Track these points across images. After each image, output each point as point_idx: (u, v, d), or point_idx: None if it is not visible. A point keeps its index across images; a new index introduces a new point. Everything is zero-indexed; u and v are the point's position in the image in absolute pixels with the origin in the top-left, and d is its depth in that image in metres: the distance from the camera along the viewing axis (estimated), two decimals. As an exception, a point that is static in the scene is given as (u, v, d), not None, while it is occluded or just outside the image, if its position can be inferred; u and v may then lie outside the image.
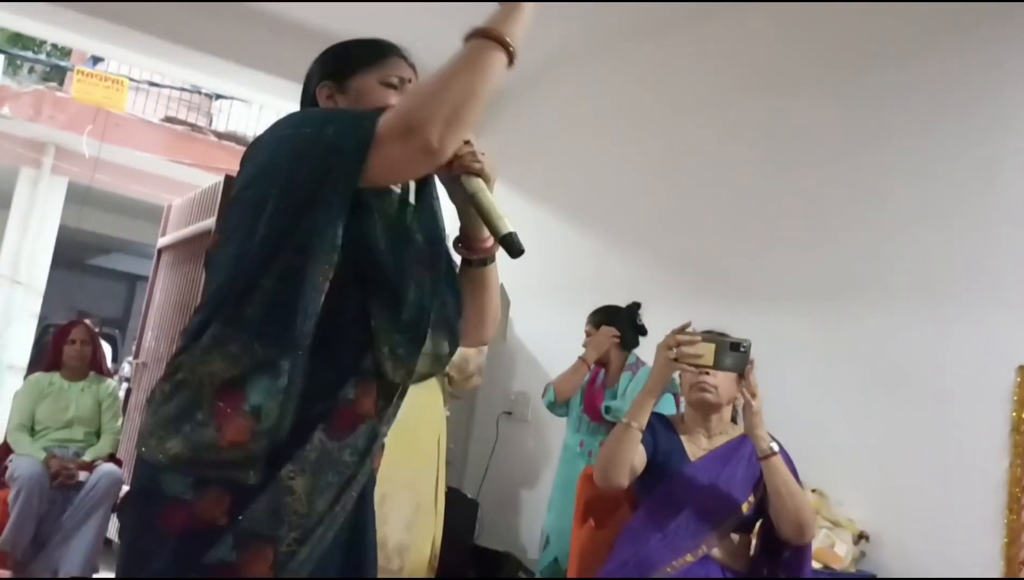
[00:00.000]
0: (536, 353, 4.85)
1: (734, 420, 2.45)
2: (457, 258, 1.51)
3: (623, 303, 3.63)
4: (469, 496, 4.54)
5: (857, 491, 3.13)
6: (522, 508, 4.61)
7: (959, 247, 3.01)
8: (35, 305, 9.56)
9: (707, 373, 2.31)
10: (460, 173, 1.40)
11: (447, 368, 3.25)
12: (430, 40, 5.03)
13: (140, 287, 12.67)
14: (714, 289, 3.85)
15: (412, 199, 1.46)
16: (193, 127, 9.56)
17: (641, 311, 3.60)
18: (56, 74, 9.58)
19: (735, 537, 2.28)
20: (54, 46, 9.38)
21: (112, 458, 4.22)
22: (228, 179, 5.07)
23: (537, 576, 3.53)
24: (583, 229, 4.76)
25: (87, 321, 4.83)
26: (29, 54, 9.75)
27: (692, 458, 2.33)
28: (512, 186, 5.36)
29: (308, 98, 1.52)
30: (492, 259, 1.49)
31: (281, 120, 1.40)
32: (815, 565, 2.68)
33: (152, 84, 9.06)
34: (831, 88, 3.55)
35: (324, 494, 1.29)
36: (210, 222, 5.05)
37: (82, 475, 4.00)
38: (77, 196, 9.30)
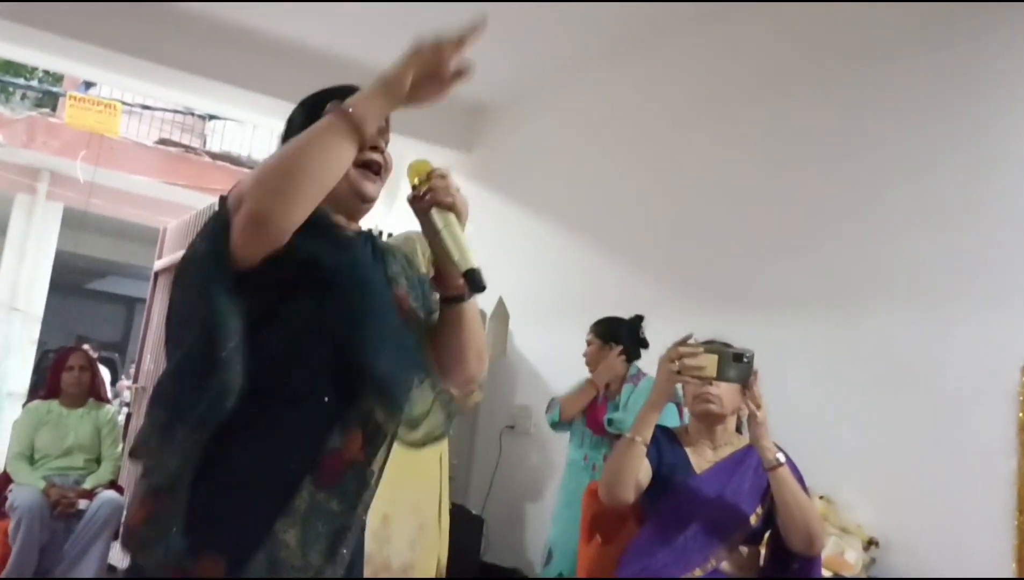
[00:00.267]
0: (537, 366, 4.83)
1: (739, 430, 2.42)
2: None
3: (623, 314, 3.60)
4: (474, 512, 4.51)
5: (865, 496, 3.11)
6: (528, 523, 4.58)
7: (960, 247, 2.99)
8: (33, 331, 9.53)
9: (710, 384, 2.28)
10: (430, 207, 1.40)
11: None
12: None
13: (138, 309, 12.64)
14: (714, 297, 3.83)
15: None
16: (187, 148, 9.56)
17: (643, 323, 3.58)
18: (49, 100, 9.57)
19: (744, 549, 2.25)
20: (46, 72, 9.37)
21: (113, 485, 4.19)
22: (223, 200, 5.04)
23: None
24: (581, 240, 4.74)
25: (85, 347, 4.80)
26: (21, 81, 9.75)
27: (698, 470, 2.30)
28: (509, 199, 5.36)
29: None
30: (467, 296, 1.47)
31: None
32: (825, 574, 2.66)
33: (145, 107, 9.05)
34: (826, 92, 3.54)
35: (316, 545, 1.29)
36: (206, 244, 5.03)
37: (82, 503, 3.97)
38: (73, 221, 9.29)
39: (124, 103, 8.38)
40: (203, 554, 1.23)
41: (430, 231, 1.40)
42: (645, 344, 3.55)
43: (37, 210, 9.41)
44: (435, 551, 3.02)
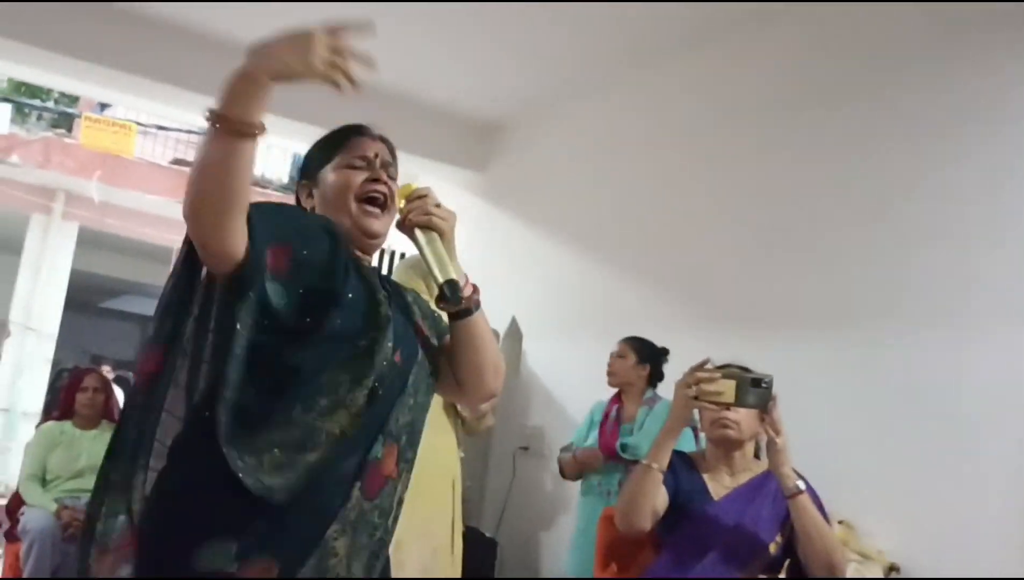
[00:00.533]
0: (551, 386, 4.79)
1: (757, 455, 2.38)
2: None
3: (636, 334, 3.57)
4: (487, 535, 4.46)
5: (885, 521, 3.05)
6: (542, 545, 4.53)
7: (979, 265, 2.94)
8: (48, 351, 9.57)
9: (728, 408, 2.24)
10: (412, 227, 1.45)
11: (460, 410, 3.20)
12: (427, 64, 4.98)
13: (152, 328, 12.64)
14: (730, 317, 3.79)
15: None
16: (201, 169, 9.58)
17: (649, 342, 3.55)
18: (64, 121, 9.65)
19: (763, 578, 2.20)
20: (62, 93, 9.45)
21: (126, 507, 4.16)
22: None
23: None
24: (595, 259, 4.71)
25: (104, 368, 4.79)
26: (37, 102, 9.84)
27: (716, 497, 2.26)
28: (523, 218, 5.34)
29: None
30: (475, 309, 1.50)
31: None
32: (846, 601, 2.60)
33: (160, 127, 9.11)
34: (837, 108, 3.51)
35: (360, 556, 1.32)
36: (219, 265, 5.03)
37: (95, 526, 3.95)
38: (88, 240, 9.35)
39: (139, 124, 8.44)
40: (255, 558, 1.23)
41: (419, 251, 1.45)
42: (662, 376, 3.52)
43: (52, 230, 9.47)
44: (448, 576, 2.98)
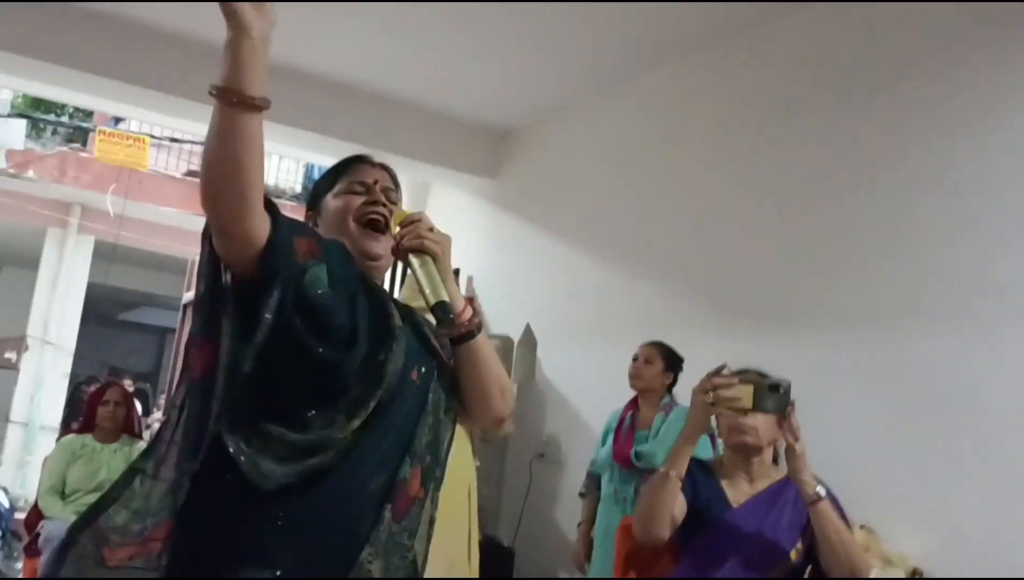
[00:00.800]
0: (566, 393, 4.77)
1: (775, 461, 2.35)
2: None
3: (651, 338, 3.55)
4: (505, 544, 4.44)
5: (907, 525, 3.01)
6: (561, 553, 4.50)
7: (1000, 262, 2.90)
8: (66, 365, 9.63)
9: (746, 415, 2.21)
10: (406, 252, 1.45)
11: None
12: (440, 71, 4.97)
13: (169, 340, 12.73)
14: (745, 319, 3.76)
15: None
16: (215, 181, 9.64)
17: (674, 349, 3.52)
18: (79, 135, 9.71)
19: (784, 586, 2.17)
20: (76, 108, 9.52)
21: (143, 520, 4.17)
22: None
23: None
24: (609, 264, 4.69)
25: (126, 382, 4.81)
26: (52, 117, 9.90)
27: (734, 504, 2.23)
28: (535, 223, 5.33)
29: None
30: (476, 332, 1.49)
31: None
32: (869, 607, 2.56)
33: (173, 140, 9.16)
34: (857, 106, 3.48)
35: (396, 576, 1.32)
36: (233, 276, 5.04)
37: (114, 538, 3.95)
38: (104, 253, 9.40)
39: (152, 136, 8.49)
40: None
41: (412, 273, 1.45)
42: (677, 382, 3.50)
43: (69, 243, 9.54)
44: (466, 588, 2.97)
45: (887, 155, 3.33)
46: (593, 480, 3.63)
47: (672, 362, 3.46)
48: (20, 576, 4.21)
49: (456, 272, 5.51)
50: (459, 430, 3.05)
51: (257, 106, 1.20)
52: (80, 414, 4.46)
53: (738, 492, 2.26)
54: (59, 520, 3.93)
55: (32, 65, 4.67)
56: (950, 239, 3.07)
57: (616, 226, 4.68)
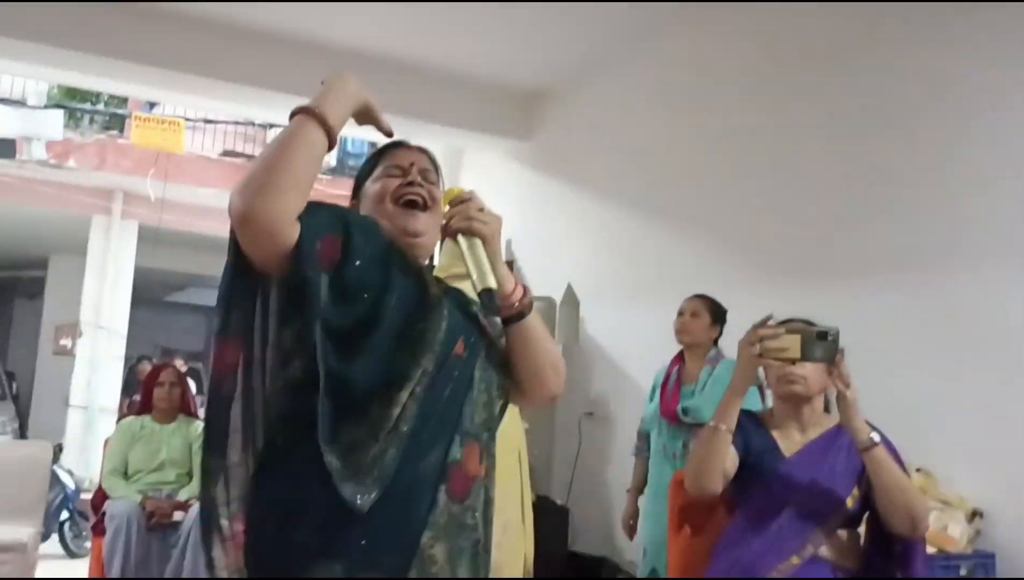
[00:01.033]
0: (611, 350, 4.77)
1: (827, 410, 2.33)
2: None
3: (694, 293, 3.51)
4: (559, 503, 4.48)
5: (965, 466, 2.98)
6: (614, 509, 4.52)
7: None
8: (119, 348, 9.85)
9: (794, 363, 2.19)
10: (455, 234, 1.44)
11: None
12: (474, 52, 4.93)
13: (217, 319, 12.93)
14: (789, 270, 3.72)
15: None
16: (250, 158, 9.72)
17: (719, 302, 3.48)
18: (116, 122, 9.83)
19: (842, 533, 2.16)
20: (111, 96, 9.62)
21: (205, 496, 4.27)
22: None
23: (637, 584, 3.45)
24: (648, 220, 4.65)
25: (178, 362, 4.90)
26: (87, 106, 10.02)
27: (787, 454, 2.22)
28: (571, 184, 5.30)
29: None
30: (527, 312, 1.49)
31: None
32: (929, 550, 2.54)
33: (207, 121, 9.23)
34: (888, 51, 3.40)
35: (461, 560, 1.32)
36: (275, 253, 5.09)
37: (177, 515, 4.05)
38: (148, 237, 9.56)
39: (187, 119, 8.56)
40: (363, 574, 1.24)
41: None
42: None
43: (113, 229, 9.71)
44: (521, 549, 2.99)
45: (925, 97, 3.25)
46: (643, 439, 3.63)
47: (718, 315, 3.42)
48: (88, 555, 4.33)
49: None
50: (507, 395, 3.08)
51: (330, 129, 1.33)
52: (136, 393, 4.56)
53: (790, 442, 2.25)
54: (123, 500, 4.04)
55: (65, 56, 4.73)
56: (994, 178, 2.99)
57: (653, 182, 4.63)
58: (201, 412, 6.08)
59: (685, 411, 3.23)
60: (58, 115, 8.57)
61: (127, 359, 10.28)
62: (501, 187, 5.75)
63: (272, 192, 1.26)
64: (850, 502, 2.13)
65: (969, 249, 3.05)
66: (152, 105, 9.00)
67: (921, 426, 2.97)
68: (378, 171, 1.57)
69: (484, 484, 1.39)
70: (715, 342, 3.42)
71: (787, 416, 2.28)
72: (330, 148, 1.34)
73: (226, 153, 9.64)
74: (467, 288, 1.51)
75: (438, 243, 1.57)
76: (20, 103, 8.52)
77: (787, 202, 3.78)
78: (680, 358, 3.48)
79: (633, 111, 4.87)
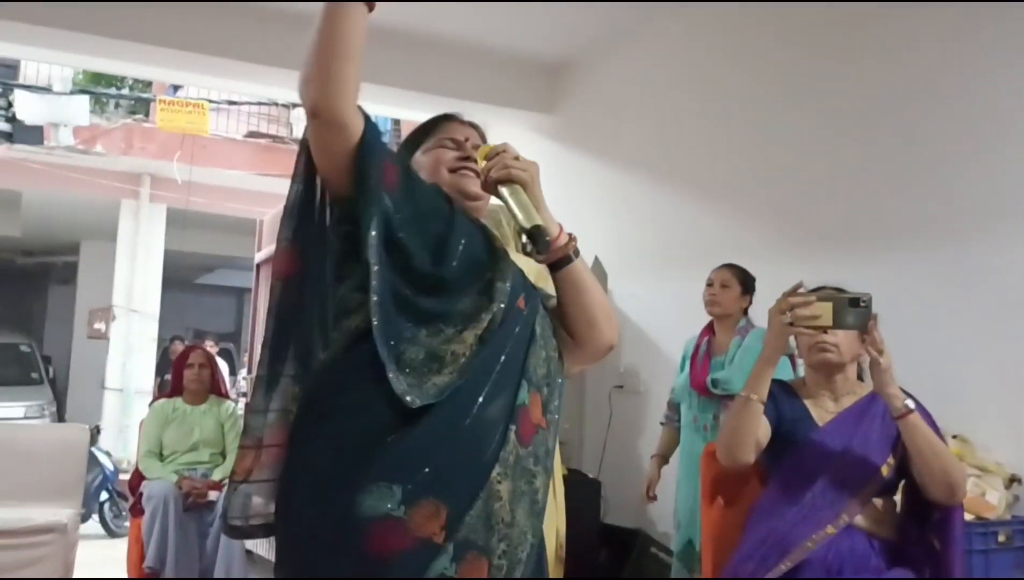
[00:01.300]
0: (639, 322, 4.74)
1: (860, 377, 2.29)
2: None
3: (722, 263, 3.47)
4: (590, 476, 4.48)
5: (1002, 432, 2.93)
6: (645, 481, 4.53)
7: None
8: (152, 330, 9.98)
9: (826, 331, 2.16)
10: (495, 184, 1.44)
11: None
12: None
13: (247, 299, 13.08)
14: (819, 237, 3.66)
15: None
16: (275, 138, 9.75)
17: (748, 271, 3.44)
18: (141, 106, 9.89)
19: (878, 502, 2.13)
20: (135, 80, 9.67)
21: (239, 475, 4.32)
22: (313, 187, 5.10)
23: (673, 560, 3.44)
24: (674, 190, 4.61)
25: (208, 344, 4.93)
26: (113, 91, 10.09)
27: (820, 423, 2.19)
28: (596, 156, 5.26)
29: None
30: (573, 256, 1.49)
31: None
32: (967, 517, 2.51)
33: (231, 103, 9.25)
34: (917, 14, 3.31)
35: (521, 503, 1.31)
36: (301, 232, 5.10)
37: (212, 494, 4.11)
38: (176, 220, 9.65)
39: (211, 101, 8.59)
40: (422, 501, 1.22)
41: (504, 205, 1.45)
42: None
43: (142, 213, 9.81)
44: (553, 523, 2.98)
45: (955, 60, 3.18)
46: (673, 409, 3.62)
47: (748, 284, 3.38)
48: (127, 535, 4.41)
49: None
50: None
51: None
52: (169, 374, 4.61)
53: (823, 411, 2.22)
54: (159, 480, 4.10)
55: (88, 41, 4.74)
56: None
57: (678, 151, 4.58)
58: (232, 393, 6.15)
59: (715, 383, 3.21)
60: (84, 101, 8.64)
61: (160, 341, 10.41)
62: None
63: (336, 84, 1.29)
64: (885, 470, 2.11)
65: (1004, 212, 2.99)
66: (176, 88, 9.04)
67: (957, 392, 2.92)
68: (430, 142, 1.57)
69: (546, 435, 1.39)
70: (745, 312, 3.39)
71: (819, 385, 2.25)
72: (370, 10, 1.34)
73: (251, 134, 9.67)
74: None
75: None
76: (46, 90, 8.59)
77: (815, 169, 3.72)
78: (710, 329, 3.45)
79: (657, 82, 4.80)
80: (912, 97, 3.33)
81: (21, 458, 3.66)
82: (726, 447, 2.14)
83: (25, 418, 9.51)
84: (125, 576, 4.21)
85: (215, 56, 4.93)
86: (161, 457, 4.26)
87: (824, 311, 2.02)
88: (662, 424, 3.72)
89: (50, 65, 8.58)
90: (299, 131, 10.24)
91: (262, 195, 8.87)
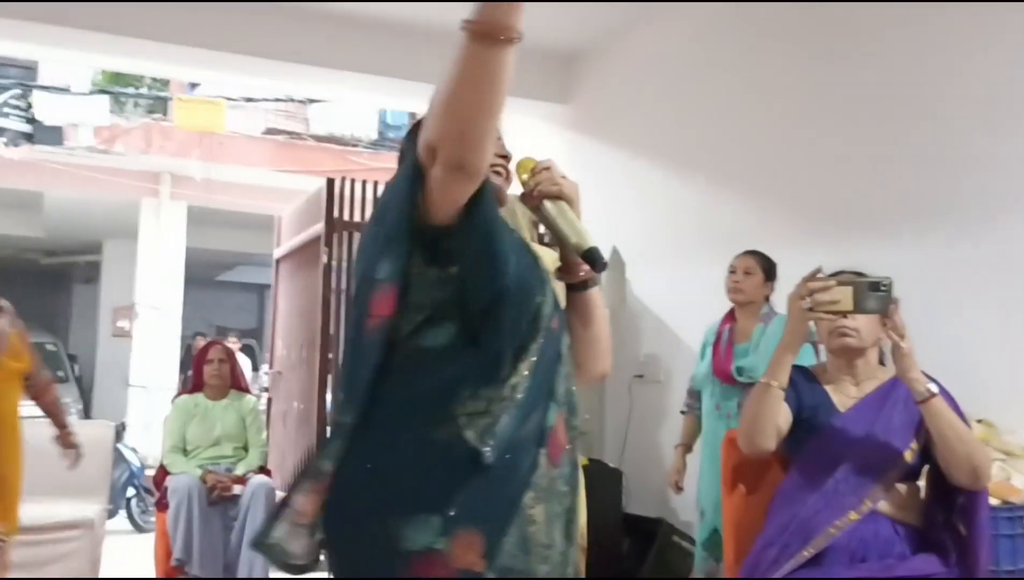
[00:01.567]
0: (658, 311, 4.72)
1: (882, 362, 2.27)
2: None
3: (740, 250, 3.45)
4: (611, 466, 4.47)
5: (1028, 415, 2.90)
6: (667, 470, 4.51)
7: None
8: (175, 327, 10.06)
9: (846, 316, 2.14)
10: (540, 200, 1.43)
11: None
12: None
13: (268, 296, 13.17)
14: (836, 222, 3.63)
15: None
16: (292, 134, 9.79)
17: (770, 257, 3.41)
18: (159, 105, 9.96)
19: (901, 487, 2.11)
20: (153, 79, 9.73)
21: (262, 470, 4.35)
22: (330, 182, 5.12)
23: (697, 548, 3.42)
24: (690, 178, 4.58)
25: (231, 339, 4.95)
26: (131, 90, 10.16)
27: (842, 409, 2.17)
28: (611, 145, 5.23)
29: None
30: (594, 282, 1.49)
31: None
32: (992, 502, 2.48)
33: (248, 99, 9.29)
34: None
35: (556, 524, 1.31)
36: (319, 227, 5.13)
37: (236, 488, 4.14)
38: (196, 217, 9.72)
39: (228, 98, 8.63)
40: (461, 531, 1.22)
41: (546, 222, 1.44)
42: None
43: (163, 211, 9.89)
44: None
45: (981, 39, 3.13)
46: (694, 397, 3.60)
47: (771, 271, 3.35)
48: (155, 529, 4.45)
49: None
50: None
51: (514, 39, 1.17)
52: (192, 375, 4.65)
53: (844, 396, 2.20)
54: (183, 475, 4.13)
55: (106, 40, 4.77)
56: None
57: (693, 139, 4.55)
58: (254, 388, 6.18)
59: (740, 370, 3.19)
60: (103, 101, 8.71)
61: (183, 338, 10.50)
62: (541, 151, 5.67)
63: (486, 141, 1.22)
64: (908, 455, 2.09)
65: (1020, 193, 2.95)
66: (194, 86, 9.10)
67: (981, 376, 2.89)
68: None
69: (572, 453, 1.38)
70: (767, 299, 3.36)
71: (840, 370, 2.23)
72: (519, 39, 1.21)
73: (268, 131, 9.72)
74: None
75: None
76: (65, 90, 8.67)
77: (833, 153, 3.68)
78: (731, 316, 3.43)
79: (673, 69, 4.77)
80: (931, 80, 3.29)
81: (48, 455, 3.71)
82: (746, 434, 2.13)
83: (52, 416, 9.59)
84: (151, 571, 4.25)
85: (232, 53, 4.94)
86: (185, 452, 4.29)
87: (844, 296, 2.01)
88: (683, 412, 3.70)
89: (69, 66, 8.65)
90: (316, 127, 10.28)
91: (280, 191, 8.91)
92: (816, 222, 3.75)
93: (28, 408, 3.61)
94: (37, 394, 3.71)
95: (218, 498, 4.09)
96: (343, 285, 5.00)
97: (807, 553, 2.03)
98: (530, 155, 1.51)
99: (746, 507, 2.33)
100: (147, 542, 4.56)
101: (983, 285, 3.07)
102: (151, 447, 8.47)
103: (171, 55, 5.02)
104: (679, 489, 3.65)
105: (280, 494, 4.90)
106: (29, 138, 8.21)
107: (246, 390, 4.61)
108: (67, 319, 14.26)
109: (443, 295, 1.30)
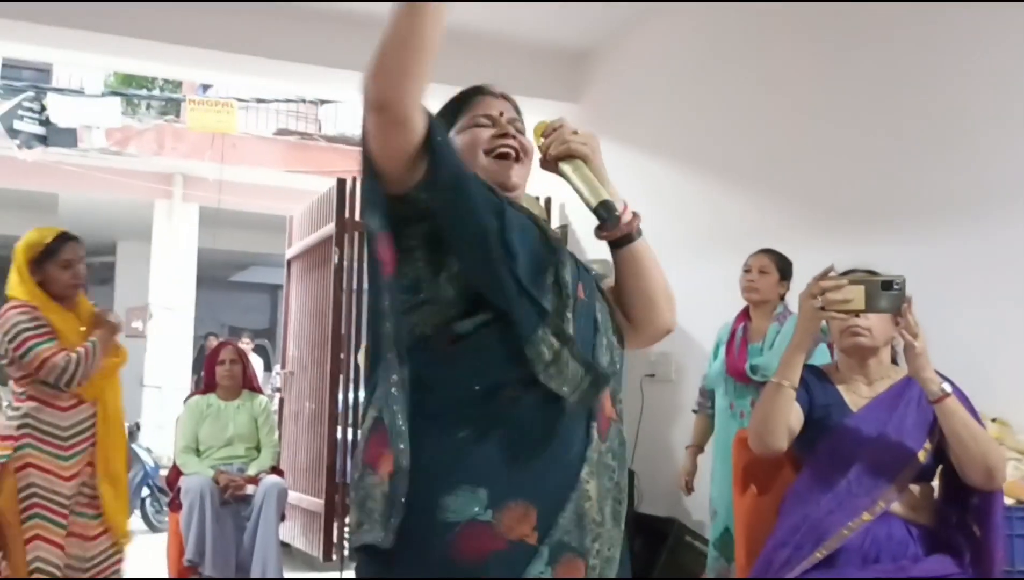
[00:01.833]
0: (671, 310, 4.70)
1: (895, 361, 2.25)
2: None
3: (753, 249, 3.43)
4: (623, 465, 4.46)
5: (1043, 415, 2.87)
6: (679, 470, 4.50)
7: None
8: (188, 328, 10.10)
9: (858, 315, 2.12)
10: (556, 161, 1.40)
11: None
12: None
13: (280, 296, 13.21)
14: (847, 219, 3.60)
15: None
16: (304, 135, 9.81)
17: (785, 256, 3.39)
18: (171, 107, 10.00)
19: (915, 488, 2.09)
20: (165, 80, 9.78)
21: (274, 470, 4.36)
22: (341, 182, 5.13)
23: (710, 548, 3.41)
24: (701, 175, 4.56)
25: (243, 340, 4.97)
26: (143, 92, 10.21)
27: (854, 408, 2.16)
28: (623, 143, 5.21)
29: None
30: (636, 235, 1.45)
31: None
32: (1007, 501, 2.46)
33: (259, 101, 9.32)
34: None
35: (607, 500, 1.29)
36: (330, 228, 5.14)
37: (249, 488, 4.15)
38: (209, 219, 9.76)
39: (240, 100, 8.66)
40: (510, 503, 1.20)
41: (569, 183, 1.40)
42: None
43: (175, 213, 9.94)
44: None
45: (989, 33, 3.10)
46: (706, 396, 3.58)
47: (786, 270, 3.33)
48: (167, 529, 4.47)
49: (547, 201, 5.45)
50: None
51: None
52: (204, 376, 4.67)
53: (857, 396, 2.19)
54: (196, 475, 4.14)
55: (118, 42, 4.79)
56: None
57: (706, 138, 4.53)
58: (266, 388, 6.19)
59: (754, 369, 3.17)
60: (116, 103, 8.75)
61: (196, 339, 10.54)
62: (553, 151, 5.67)
63: (405, 78, 1.21)
64: (922, 455, 2.07)
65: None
66: (206, 88, 9.13)
67: (995, 375, 2.86)
68: (463, 120, 1.46)
69: (619, 427, 1.36)
70: (782, 298, 3.34)
71: (853, 369, 2.22)
72: None
73: (280, 132, 9.75)
74: None
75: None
76: (78, 92, 8.71)
77: (844, 150, 3.66)
78: (745, 315, 3.41)
79: (682, 67, 4.75)
80: (941, 76, 3.26)
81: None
82: (757, 434, 2.12)
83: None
84: (165, 571, 4.26)
85: (244, 54, 4.95)
86: (197, 452, 4.30)
87: (856, 294, 1.99)
88: (695, 412, 3.69)
89: (82, 68, 8.70)
90: (328, 128, 10.31)
91: (292, 192, 8.93)
92: (826, 219, 3.72)
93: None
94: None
95: (230, 498, 4.11)
96: (354, 285, 5.01)
97: (819, 554, 2.01)
98: (542, 120, 1.47)
99: (757, 507, 2.32)
100: (161, 542, 4.58)
101: (997, 282, 3.04)
102: (165, 447, 8.51)
103: (183, 57, 5.04)
104: (690, 490, 3.64)
105: (292, 494, 4.91)
106: (43, 140, 8.25)
107: (258, 390, 4.63)
108: (82, 320, 14.31)
109: (459, 289, 1.28)
